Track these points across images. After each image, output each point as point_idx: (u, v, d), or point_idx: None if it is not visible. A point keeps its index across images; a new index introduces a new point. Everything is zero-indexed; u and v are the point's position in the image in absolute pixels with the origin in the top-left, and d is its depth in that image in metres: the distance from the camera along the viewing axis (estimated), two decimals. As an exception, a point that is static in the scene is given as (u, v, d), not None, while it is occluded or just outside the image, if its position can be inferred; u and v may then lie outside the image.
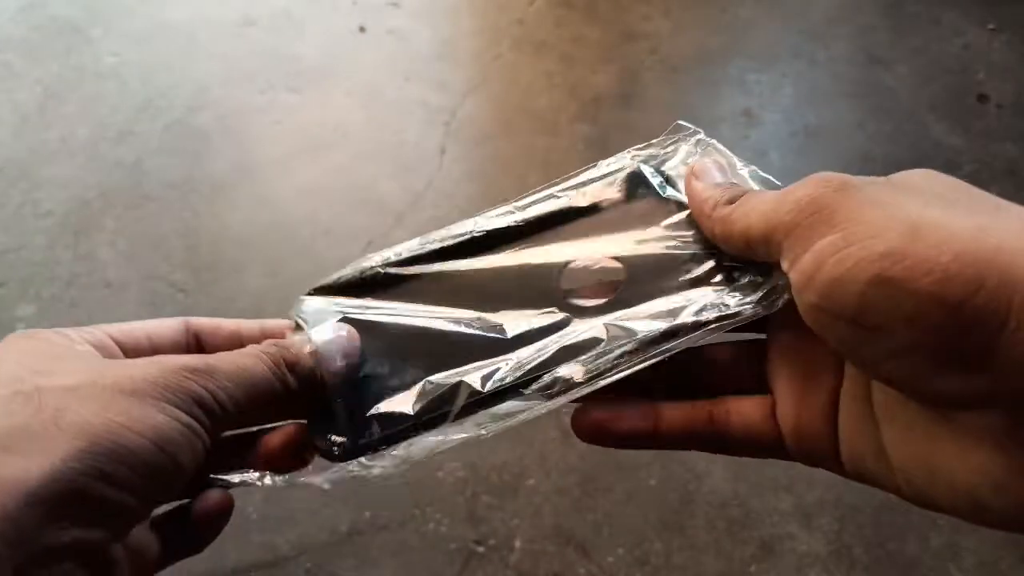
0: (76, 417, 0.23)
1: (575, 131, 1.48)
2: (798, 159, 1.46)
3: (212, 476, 0.28)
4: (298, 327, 0.31)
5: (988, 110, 1.55)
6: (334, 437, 0.28)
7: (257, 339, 0.31)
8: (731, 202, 0.27)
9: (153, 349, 0.29)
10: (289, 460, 0.29)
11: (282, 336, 0.31)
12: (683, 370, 0.30)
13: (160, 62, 1.57)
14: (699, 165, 0.31)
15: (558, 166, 1.41)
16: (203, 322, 0.31)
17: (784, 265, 0.24)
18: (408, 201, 1.34)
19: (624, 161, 0.34)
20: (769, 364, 0.29)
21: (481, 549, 0.99)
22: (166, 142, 1.43)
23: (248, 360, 0.27)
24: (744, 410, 0.28)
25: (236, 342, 0.31)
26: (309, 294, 0.32)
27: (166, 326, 0.30)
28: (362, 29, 1.66)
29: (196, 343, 0.30)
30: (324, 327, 0.30)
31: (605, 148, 1.47)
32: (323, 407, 0.29)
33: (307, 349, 0.28)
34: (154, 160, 1.40)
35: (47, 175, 1.37)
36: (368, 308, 0.31)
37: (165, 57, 1.58)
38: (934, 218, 0.21)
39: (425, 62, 1.60)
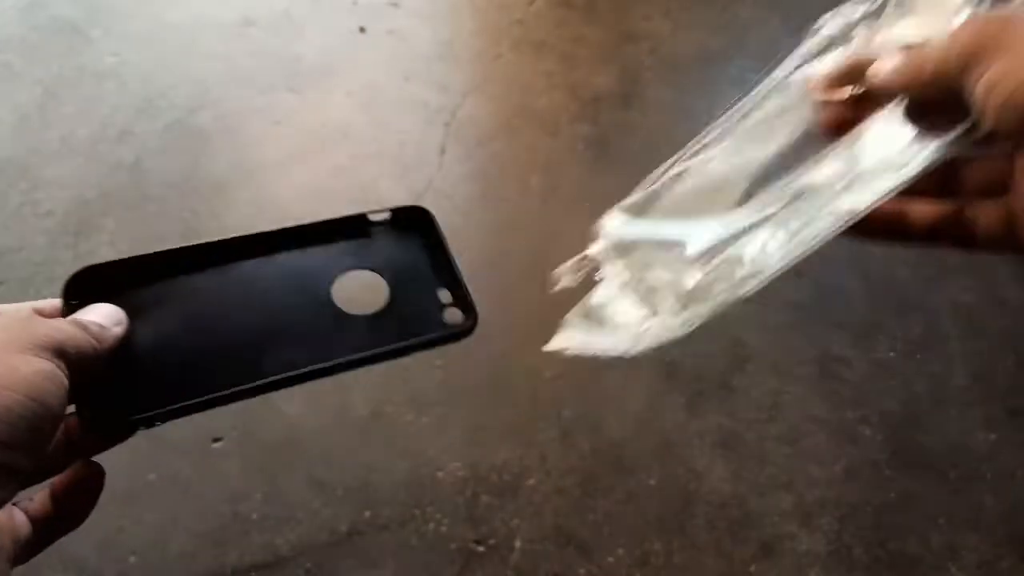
0: None
1: (575, 131, 1.48)
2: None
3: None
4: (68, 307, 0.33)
5: (988, 110, 1.55)
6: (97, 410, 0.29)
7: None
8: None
9: None
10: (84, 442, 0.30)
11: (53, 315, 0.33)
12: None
13: (160, 62, 1.57)
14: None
15: (558, 166, 1.41)
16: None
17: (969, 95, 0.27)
18: (408, 201, 1.34)
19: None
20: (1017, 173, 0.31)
21: (481, 549, 0.99)
22: (166, 142, 1.43)
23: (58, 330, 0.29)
24: (990, 210, 0.31)
25: None
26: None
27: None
28: (362, 29, 1.66)
29: None
30: (88, 310, 0.32)
31: (605, 148, 1.47)
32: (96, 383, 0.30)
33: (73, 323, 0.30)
34: (154, 160, 1.40)
35: (47, 175, 1.37)
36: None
37: (165, 57, 1.58)
38: None
39: (425, 62, 1.60)
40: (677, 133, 1.51)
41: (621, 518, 1.02)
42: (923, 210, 0.32)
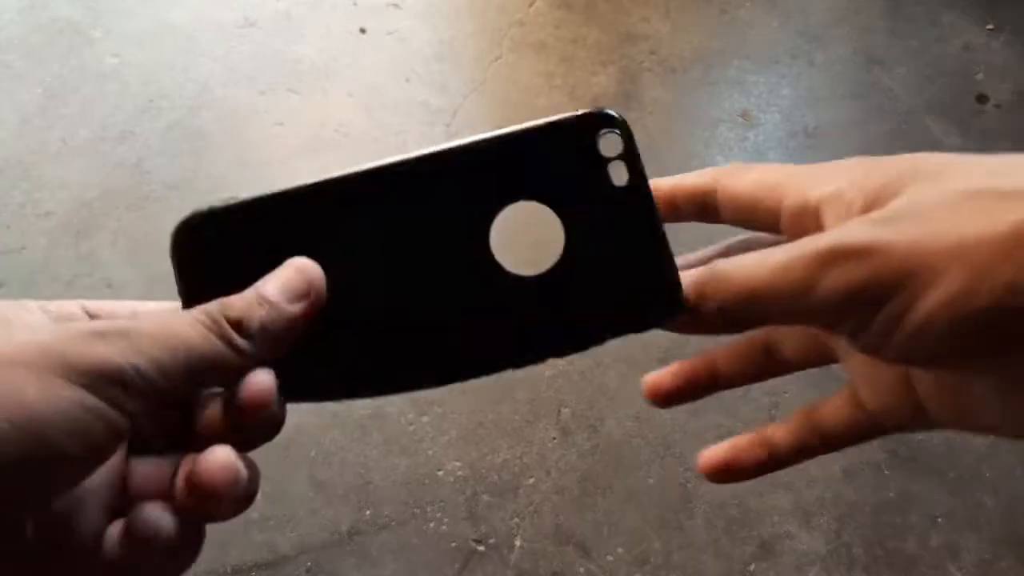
0: None
1: (575, 132, 1.48)
2: (798, 160, 1.46)
3: None
4: None
5: (987, 110, 1.55)
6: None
7: None
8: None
9: None
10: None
11: None
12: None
13: (161, 63, 1.57)
14: None
15: (558, 167, 1.42)
16: (98, 304, 0.27)
17: (833, 332, 0.24)
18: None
19: None
20: (842, 358, 0.29)
21: (481, 548, 0.99)
22: (167, 143, 1.44)
23: (179, 323, 0.22)
24: (830, 409, 0.29)
25: None
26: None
27: (164, 308, 0.26)
28: (363, 30, 1.66)
29: None
30: (275, 272, 0.25)
31: (605, 149, 1.47)
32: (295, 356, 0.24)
33: (251, 297, 0.24)
34: (155, 160, 1.41)
35: (48, 175, 1.37)
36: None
37: (166, 58, 1.58)
38: (975, 234, 0.21)
39: (425, 63, 1.60)
40: (677, 133, 1.52)
41: (621, 517, 1.02)
42: (782, 436, 0.29)
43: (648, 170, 0.26)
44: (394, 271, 0.25)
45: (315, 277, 0.25)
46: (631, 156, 0.26)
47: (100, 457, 0.21)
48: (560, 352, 0.25)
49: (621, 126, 0.26)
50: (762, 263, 0.23)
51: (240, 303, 0.24)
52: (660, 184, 0.29)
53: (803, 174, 0.26)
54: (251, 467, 0.24)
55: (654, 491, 1.04)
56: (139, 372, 0.21)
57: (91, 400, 0.20)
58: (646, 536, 1.00)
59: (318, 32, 1.66)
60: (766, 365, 0.30)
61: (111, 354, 0.20)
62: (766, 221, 0.27)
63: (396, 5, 1.72)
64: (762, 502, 1.04)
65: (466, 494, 1.03)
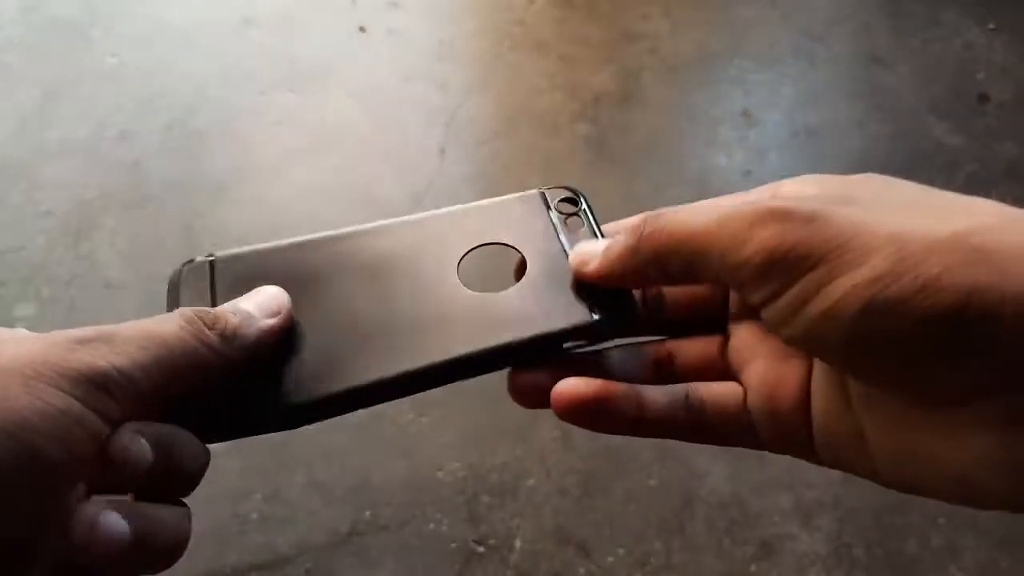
0: None
1: (575, 131, 1.48)
2: (798, 159, 1.46)
3: None
4: None
5: (988, 110, 1.55)
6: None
7: None
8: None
9: None
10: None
11: None
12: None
13: (160, 62, 1.57)
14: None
15: (558, 166, 1.41)
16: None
17: (750, 299, 0.24)
18: (408, 202, 1.34)
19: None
20: (733, 353, 0.29)
21: (481, 549, 0.99)
22: (166, 142, 1.43)
23: (157, 323, 0.23)
24: (717, 395, 0.28)
25: None
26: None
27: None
28: (362, 29, 1.66)
29: None
30: (252, 293, 0.27)
31: (605, 148, 1.47)
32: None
33: (227, 308, 0.25)
34: (154, 160, 1.40)
35: (47, 175, 1.37)
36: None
37: (165, 57, 1.58)
38: (914, 230, 0.21)
39: (425, 62, 1.60)
40: (677, 132, 1.52)
41: (621, 518, 1.02)
42: (656, 400, 0.27)
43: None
44: (368, 299, 0.29)
45: (284, 300, 0.27)
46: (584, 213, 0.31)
47: (81, 466, 0.21)
48: (519, 362, 0.28)
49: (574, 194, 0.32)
50: (705, 211, 0.24)
51: (217, 311, 0.25)
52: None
53: (758, 190, 0.27)
54: (153, 521, 0.23)
55: (655, 492, 1.04)
56: (121, 373, 0.21)
57: (76, 407, 0.20)
58: (647, 537, 1.00)
59: (317, 31, 1.66)
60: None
61: (94, 358, 0.21)
62: None
63: (396, 4, 1.72)
64: (763, 503, 1.04)
65: (466, 495, 1.03)
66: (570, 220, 0.31)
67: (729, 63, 1.63)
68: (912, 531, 1.02)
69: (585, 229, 0.31)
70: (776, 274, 0.22)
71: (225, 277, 0.29)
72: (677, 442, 0.28)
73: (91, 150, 1.41)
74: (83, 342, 0.21)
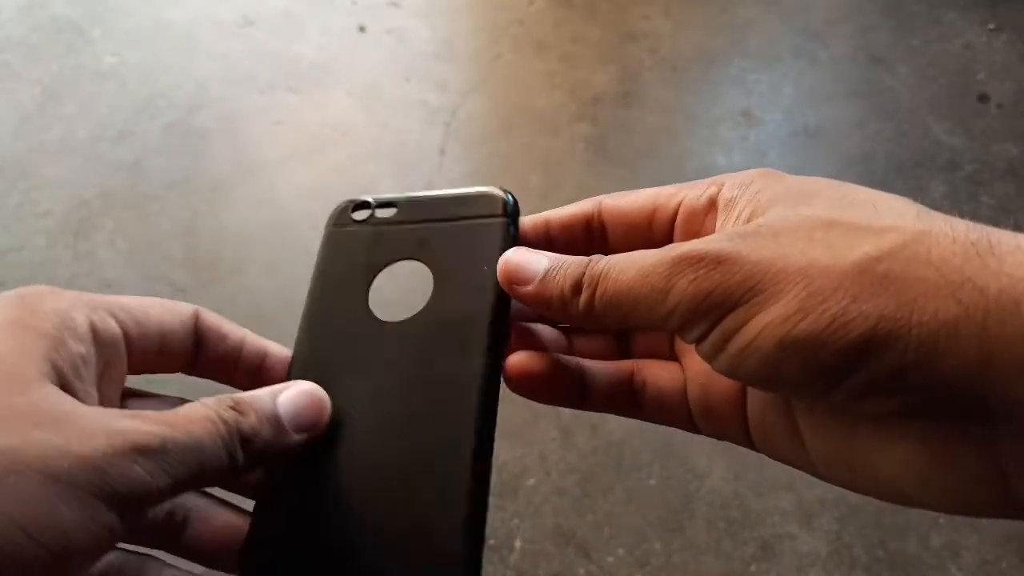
0: None
1: (575, 131, 1.48)
2: (798, 159, 1.46)
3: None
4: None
5: (988, 110, 1.54)
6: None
7: (253, 366, 0.29)
8: (577, 288, 0.26)
9: (159, 351, 0.27)
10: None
11: (278, 369, 0.29)
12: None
13: (160, 62, 1.57)
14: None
15: (558, 166, 1.41)
16: (210, 323, 0.29)
17: (683, 340, 0.24)
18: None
19: None
20: (677, 341, 0.29)
21: (481, 549, 0.99)
22: (166, 142, 1.43)
23: (203, 432, 0.23)
24: (659, 378, 0.28)
25: (234, 358, 0.29)
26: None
27: (178, 320, 0.28)
28: (362, 29, 1.66)
29: (198, 346, 0.29)
30: (292, 391, 0.26)
31: (605, 148, 1.47)
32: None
33: (268, 413, 0.25)
34: (154, 160, 1.40)
35: (47, 175, 1.37)
36: None
37: (165, 57, 1.58)
38: (821, 262, 0.21)
39: (425, 62, 1.60)
40: (678, 132, 1.52)
41: (621, 518, 1.02)
42: (600, 374, 0.28)
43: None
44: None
45: (324, 414, 0.27)
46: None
47: (95, 559, 0.22)
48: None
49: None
50: (630, 266, 0.24)
51: (254, 419, 0.25)
52: (532, 217, 0.30)
53: (705, 181, 0.27)
54: None
55: (655, 492, 1.04)
56: (159, 488, 0.22)
57: (108, 517, 0.21)
58: (647, 537, 1.00)
59: (317, 31, 1.65)
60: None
61: (146, 478, 0.22)
62: (660, 231, 0.28)
63: (395, 4, 1.72)
64: (763, 503, 1.04)
65: (466, 495, 1.03)
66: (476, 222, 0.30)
67: (729, 63, 1.63)
68: (912, 531, 1.02)
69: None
70: (699, 319, 0.23)
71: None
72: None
73: (91, 149, 1.41)
74: (144, 453, 0.22)
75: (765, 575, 0.98)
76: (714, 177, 0.28)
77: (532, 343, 0.29)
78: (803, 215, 0.23)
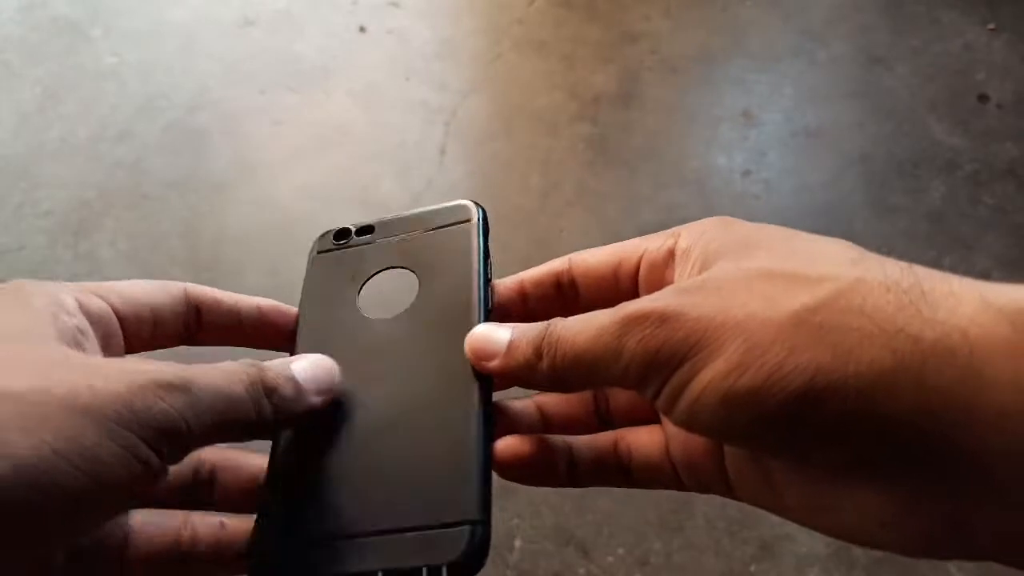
0: (4, 435, 0.20)
1: (575, 131, 1.48)
2: (798, 159, 1.46)
3: None
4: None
5: (988, 110, 1.54)
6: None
7: (254, 322, 0.31)
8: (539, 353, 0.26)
9: (153, 324, 0.28)
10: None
11: (279, 321, 0.31)
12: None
13: (160, 62, 1.57)
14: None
15: (558, 166, 1.41)
16: (203, 293, 0.30)
17: (641, 396, 0.25)
18: (408, 201, 1.34)
19: None
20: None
21: (481, 549, 0.99)
22: (166, 142, 1.43)
23: (226, 380, 0.24)
24: (642, 443, 0.29)
25: (234, 319, 0.30)
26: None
27: (169, 295, 0.29)
28: (362, 29, 1.66)
29: (195, 317, 0.30)
30: (303, 360, 0.27)
31: (605, 148, 1.47)
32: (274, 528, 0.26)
33: (287, 374, 0.26)
34: (154, 160, 1.40)
35: (47, 175, 1.37)
36: None
37: (165, 57, 1.58)
38: (760, 314, 0.22)
39: (425, 62, 1.60)
40: (678, 132, 1.52)
41: (621, 518, 1.02)
42: (587, 445, 0.28)
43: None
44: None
45: (335, 377, 0.28)
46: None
47: (136, 497, 0.23)
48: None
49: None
50: (586, 327, 0.25)
51: (274, 373, 0.26)
52: (507, 280, 0.31)
53: (664, 233, 0.28)
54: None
55: (654, 492, 1.03)
56: (188, 426, 0.23)
57: (144, 450, 0.22)
58: (646, 537, 1.00)
59: (317, 31, 1.65)
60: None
61: (172, 411, 0.22)
62: (625, 285, 0.28)
63: (396, 4, 1.72)
64: (763, 503, 1.04)
65: (466, 494, 1.03)
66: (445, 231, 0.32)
67: (729, 63, 1.63)
68: (912, 531, 1.02)
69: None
70: (652, 376, 0.23)
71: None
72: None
73: (91, 149, 1.41)
74: (168, 389, 0.22)
75: (765, 575, 0.98)
76: (674, 228, 0.28)
77: (515, 425, 0.29)
78: (744, 267, 0.24)
